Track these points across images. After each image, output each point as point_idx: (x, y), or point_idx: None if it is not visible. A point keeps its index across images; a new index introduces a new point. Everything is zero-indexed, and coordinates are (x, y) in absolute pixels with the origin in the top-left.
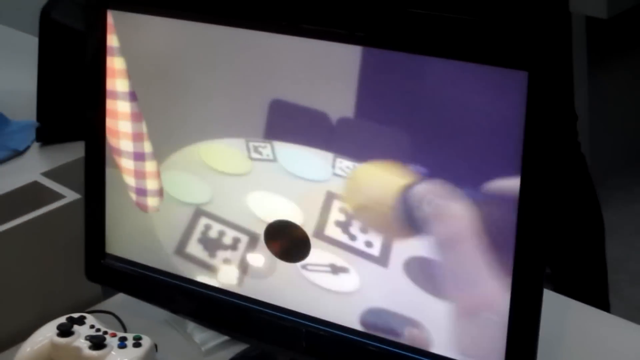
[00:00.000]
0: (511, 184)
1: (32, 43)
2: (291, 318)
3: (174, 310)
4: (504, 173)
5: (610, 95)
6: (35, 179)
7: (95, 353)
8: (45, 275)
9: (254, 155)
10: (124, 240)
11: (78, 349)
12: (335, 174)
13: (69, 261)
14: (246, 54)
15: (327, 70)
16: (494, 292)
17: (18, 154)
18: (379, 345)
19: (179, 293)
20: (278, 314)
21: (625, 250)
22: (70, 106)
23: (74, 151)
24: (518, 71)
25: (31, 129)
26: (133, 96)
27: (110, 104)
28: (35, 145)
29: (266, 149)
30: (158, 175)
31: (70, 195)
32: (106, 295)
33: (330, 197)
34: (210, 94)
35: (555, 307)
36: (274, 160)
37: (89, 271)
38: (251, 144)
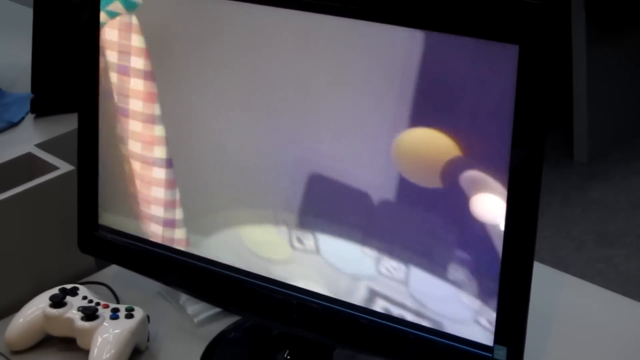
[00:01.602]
0: (501, 164)
1: (26, 14)
2: (282, 290)
3: (167, 282)
4: (495, 150)
5: (609, 70)
6: (29, 150)
7: (87, 324)
8: (39, 246)
9: (297, 245)
10: (116, 212)
11: (70, 320)
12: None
13: (63, 233)
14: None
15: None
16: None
17: (12, 125)
18: (369, 317)
19: (172, 265)
20: (269, 285)
21: (622, 225)
22: (65, 78)
23: (68, 123)
24: (509, 45)
25: (26, 101)
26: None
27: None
28: (30, 116)
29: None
30: None
31: (64, 167)
32: (99, 267)
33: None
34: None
35: (549, 281)
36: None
37: (82, 243)
38: (293, 233)
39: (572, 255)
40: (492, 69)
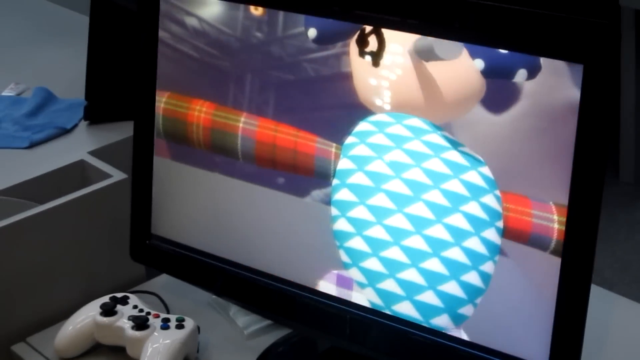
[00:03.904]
0: (563, 178)
1: (81, 22)
2: (336, 304)
3: (218, 292)
4: (557, 168)
5: None
6: (82, 157)
7: (138, 333)
8: (90, 254)
9: None
10: (169, 222)
11: (121, 329)
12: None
13: (114, 241)
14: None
15: None
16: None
17: (66, 132)
18: (422, 334)
19: (223, 276)
20: (323, 300)
21: None
22: (119, 86)
23: (122, 131)
24: (574, 64)
25: (79, 108)
26: None
27: None
28: (83, 123)
29: None
30: None
31: (117, 175)
32: (150, 276)
33: None
34: None
35: (598, 301)
36: None
37: (134, 251)
38: None
39: (616, 275)
40: (557, 87)
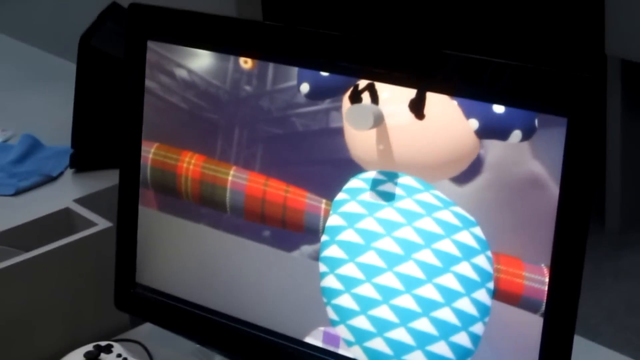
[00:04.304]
0: (547, 233)
1: (68, 68)
2: (322, 356)
3: (202, 342)
4: (547, 229)
5: None
6: (67, 205)
7: None
8: (74, 302)
9: None
10: (154, 271)
11: None
12: None
13: (99, 289)
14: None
15: None
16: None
17: (51, 179)
18: None
19: (208, 325)
20: (308, 351)
21: None
22: (105, 134)
23: (107, 179)
24: (558, 117)
25: (65, 155)
26: None
27: None
28: (69, 171)
29: None
30: None
31: (102, 223)
32: (134, 324)
33: None
34: None
35: (581, 351)
36: None
37: (118, 300)
38: None
39: (601, 324)
40: (541, 139)
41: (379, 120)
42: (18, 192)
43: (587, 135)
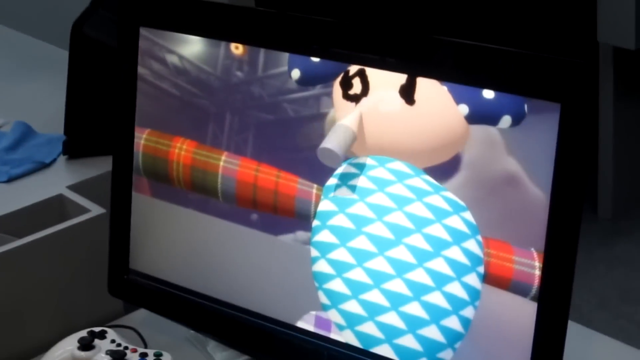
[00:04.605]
0: (538, 218)
1: (60, 56)
2: (314, 340)
3: (195, 327)
4: (537, 214)
5: (636, 128)
6: (60, 192)
7: None
8: (68, 288)
9: None
10: (147, 257)
11: None
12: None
13: (92, 275)
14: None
15: None
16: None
17: (44, 166)
18: None
19: (201, 311)
20: (300, 335)
21: None
22: (98, 121)
23: (101, 166)
24: (551, 103)
25: (58, 142)
26: None
27: None
28: (62, 158)
29: None
30: None
31: (96, 210)
32: (127, 311)
33: None
34: None
35: (574, 337)
36: None
37: (112, 286)
38: None
39: (595, 312)
40: (534, 125)
41: (346, 151)
42: (11, 179)
43: (580, 121)
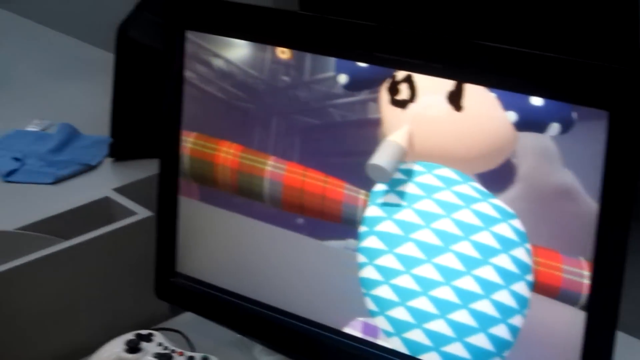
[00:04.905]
0: (586, 227)
1: (105, 58)
2: (360, 346)
3: (242, 331)
4: (585, 222)
5: None
6: (106, 194)
7: None
8: (115, 290)
9: None
10: (194, 260)
11: None
12: None
13: (139, 278)
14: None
15: None
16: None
17: (90, 168)
18: None
19: (247, 315)
20: (347, 341)
21: None
22: (144, 124)
23: (147, 168)
24: (599, 110)
25: (104, 144)
26: None
27: None
28: (108, 160)
29: None
30: None
31: (142, 212)
32: (173, 313)
33: None
34: None
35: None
36: None
37: (159, 289)
38: None
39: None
40: (583, 133)
41: (396, 168)
42: (57, 181)
43: (629, 129)
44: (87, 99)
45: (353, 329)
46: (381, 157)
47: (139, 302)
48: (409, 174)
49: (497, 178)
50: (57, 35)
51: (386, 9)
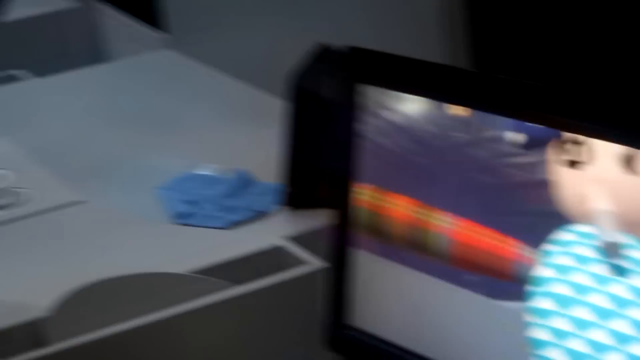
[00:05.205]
0: None
1: (277, 105)
2: None
3: None
4: None
5: None
6: (278, 242)
7: None
8: (283, 340)
9: None
10: (365, 313)
11: None
12: None
13: (308, 328)
14: None
15: None
16: None
17: (262, 215)
18: None
19: None
20: None
21: None
22: (318, 173)
23: (319, 218)
24: None
25: (276, 192)
26: None
27: None
28: (280, 208)
29: None
30: None
31: (314, 263)
32: None
33: None
34: None
35: None
36: None
37: (328, 341)
38: None
39: None
40: None
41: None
42: (229, 226)
43: None
44: (258, 145)
45: None
46: (614, 233)
47: (306, 353)
48: (582, 235)
49: None
50: (229, 80)
51: (565, 68)
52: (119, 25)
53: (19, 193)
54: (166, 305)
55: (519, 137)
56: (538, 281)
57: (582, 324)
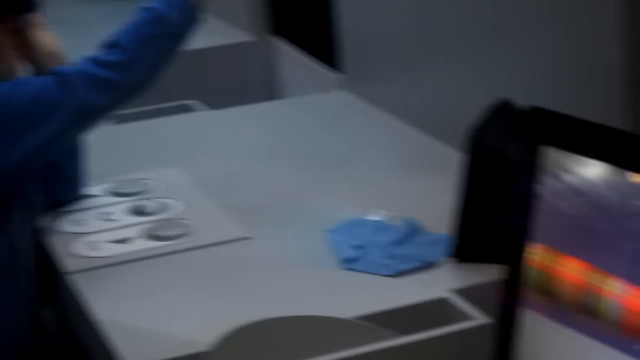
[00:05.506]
0: None
1: (450, 156)
2: None
3: None
4: None
5: None
6: (444, 295)
7: None
8: None
9: None
10: None
11: None
12: None
13: None
14: None
15: None
16: None
17: (429, 266)
18: None
19: None
20: None
21: None
22: (490, 228)
23: (487, 273)
24: None
25: (445, 243)
26: None
27: None
28: (447, 260)
29: None
30: None
31: (479, 318)
32: None
33: None
34: None
35: None
36: None
37: None
38: None
39: None
40: None
41: None
42: (397, 274)
43: None
44: (429, 194)
45: None
46: None
47: None
48: None
49: None
50: (402, 125)
51: None
52: (294, 61)
53: (188, 225)
54: (328, 350)
55: None
56: None
57: None
